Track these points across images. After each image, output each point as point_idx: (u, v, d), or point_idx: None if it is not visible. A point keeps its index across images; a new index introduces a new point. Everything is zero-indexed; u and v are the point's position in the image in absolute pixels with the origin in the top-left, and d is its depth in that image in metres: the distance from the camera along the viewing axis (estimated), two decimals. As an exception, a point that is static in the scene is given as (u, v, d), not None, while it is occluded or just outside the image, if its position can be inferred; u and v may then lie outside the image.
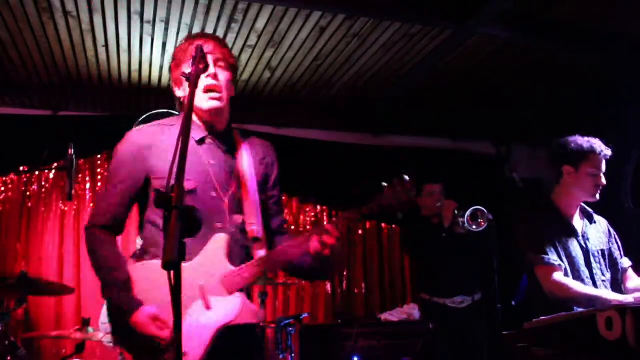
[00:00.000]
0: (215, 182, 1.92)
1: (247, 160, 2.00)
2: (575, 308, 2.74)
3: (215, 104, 1.92)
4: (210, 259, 1.83)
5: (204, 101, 1.91)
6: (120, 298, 1.83)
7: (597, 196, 2.91)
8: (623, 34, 4.05)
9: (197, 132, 1.96)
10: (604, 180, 2.90)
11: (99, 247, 1.90)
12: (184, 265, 1.77)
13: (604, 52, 4.22)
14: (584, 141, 2.93)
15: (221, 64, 1.94)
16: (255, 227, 1.94)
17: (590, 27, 4.00)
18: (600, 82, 4.76)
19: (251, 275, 1.83)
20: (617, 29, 4.02)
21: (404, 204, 1.84)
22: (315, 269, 1.96)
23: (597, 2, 3.67)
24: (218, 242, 1.85)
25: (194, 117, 1.97)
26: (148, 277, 1.83)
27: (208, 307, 1.80)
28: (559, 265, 2.75)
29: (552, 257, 2.77)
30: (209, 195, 1.90)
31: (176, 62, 1.99)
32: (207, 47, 1.89)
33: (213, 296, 1.81)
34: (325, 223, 1.85)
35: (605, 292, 2.73)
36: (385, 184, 1.86)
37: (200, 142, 1.96)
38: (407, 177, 1.85)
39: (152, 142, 1.94)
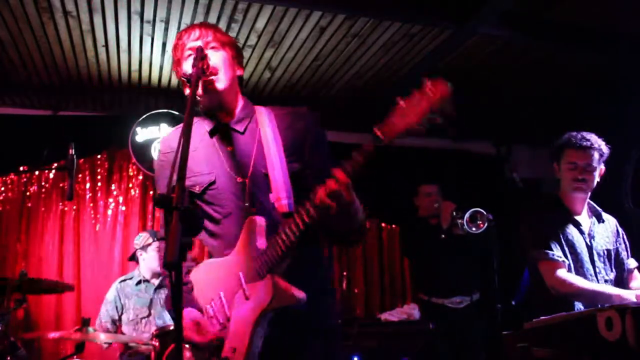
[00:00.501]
0: (237, 167, 1.84)
1: (269, 133, 1.86)
2: (576, 305, 2.75)
3: (208, 82, 1.79)
4: (244, 245, 1.76)
5: (199, 86, 1.77)
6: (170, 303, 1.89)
7: (584, 190, 2.86)
8: (623, 34, 4.06)
9: (208, 124, 1.90)
10: (586, 174, 2.83)
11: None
12: (225, 258, 1.78)
13: (604, 52, 4.22)
14: (565, 136, 2.91)
15: (213, 45, 1.85)
16: (284, 201, 1.79)
17: (590, 27, 4.00)
18: (600, 82, 4.76)
19: (274, 253, 1.67)
20: (617, 29, 4.02)
21: (429, 117, 1.40)
22: (331, 226, 1.73)
23: (597, 2, 3.67)
24: (249, 226, 1.75)
25: (206, 111, 1.92)
26: (202, 277, 1.85)
27: (247, 297, 1.72)
28: (563, 261, 2.75)
29: (556, 253, 2.76)
30: (234, 181, 1.82)
31: (175, 61, 1.93)
32: (194, 34, 1.84)
33: (250, 283, 1.73)
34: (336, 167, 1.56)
35: (608, 287, 2.72)
36: (401, 98, 1.44)
37: (213, 132, 1.89)
38: (428, 81, 1.39)
39: (174, 145, 1.82)
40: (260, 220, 1.74)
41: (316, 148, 1.92)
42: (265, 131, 1.87)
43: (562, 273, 2.73)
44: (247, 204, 1.80)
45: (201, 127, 1.90)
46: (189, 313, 1.79)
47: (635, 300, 2.58)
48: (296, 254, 1.69)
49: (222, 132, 1.89)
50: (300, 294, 1.66)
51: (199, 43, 1.82)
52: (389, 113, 1.44)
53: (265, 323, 1.68)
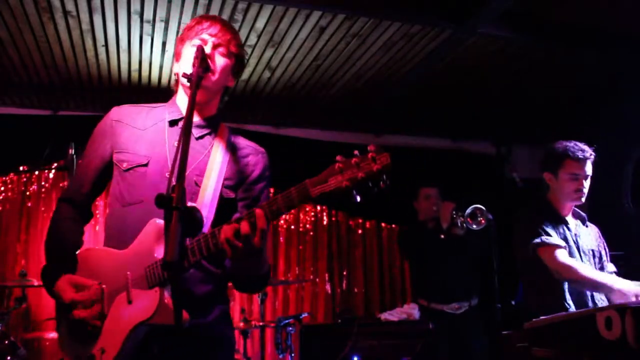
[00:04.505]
0: (172, 163, 1.71)
1: (220, 152, 1.84)
2: (568, 295, 2.76)
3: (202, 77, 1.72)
4: (142, 246, 1.65)
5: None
6: (51, 268, 1.76)
7: (582, 199, 2.91)
8: (623, 34, 4.06)
9: (174, 114, 1.87)
10: (585, 184, 2.88)
11: (57, 219, 1.85)
12: (118, 252, 1.68)
13: (604, 52, 4.22)
14: (561, 146, 2.92)
15: (221, 50, 1.82)
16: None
17: (590, 27, 4.00)
18: (600, 82, 4.76)
19: None
20: (617, 29, 4.02)
21: (358, 183, 1.37)
22: (233, 267, 1.71)
23: (597, 2, 3.68)
24: (151, 228, 1.64)
25: (180, 99, 1.90)
26: (88, 264, 1.75)
27: (130, 301, 1.62)
28: (564, 246, 2.78)
29: (554, 238, 2.79)
30: (163, 174, 1.75)
31: (181, 37, 1.90)
32: (212, 29, 1.82)
33: (136, 289, 1.62)
34: (255, 208, 1.49)
35: (612, 278, 2.73)
36: (339, 158, 1.41)
37: (173, 123, 1.85)
38: (371, 147, 1.40)
39: (123, 117, 1.88)
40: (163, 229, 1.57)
41: (257, 183, 1.89)
42: (218, 149, 1.85)
43: (563, 257, 2.75)
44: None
45: (162, 113, 1.89)
46: (67, 277, 1.70)
47: (635, 299, 2.59)
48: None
49: (181, 127, 1.80)
50: (185, 316, 1.56)
51: (211, 40, 1.81)
52: (325, 170, 1.41)
53: (141, 332, 1.60)
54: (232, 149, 1.90)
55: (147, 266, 1.61)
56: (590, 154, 2.90)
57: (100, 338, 1.63)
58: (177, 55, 1.91)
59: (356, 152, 1.41)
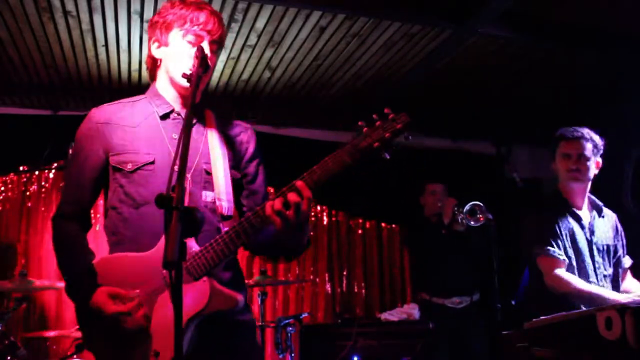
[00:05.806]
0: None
1: (216, 135, 1.86)
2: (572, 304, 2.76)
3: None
4: None
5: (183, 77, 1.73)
6: (79, 285, 1.72)
7: (579, 178, 2.88)
8: (623, 34, 4.06)
9: (163, 107, 1.85)
10: (580, 163, 2.87)
11: (66, 241, 1.82)
12: (143, 255, 1.67)
13: (604, 52, 4.22)
14: (557, 131, 2.98)
15: (215, 47, 1.83)
16: (224, 203, 1.77)
17: (590, 27, 4.00)
18: (600, 82, 4.76)
19: (214, 254, 1.62)
20: (617, 29, 4.02)
21: (386, 141, 1.62)
22: (279, 240, 1.74)
23: (597, 2, 3.68)
24: None
25: (164, 90, 1.88)
26: (114, 273, 1.72)
27: None
28: (563, 260, 2.76)
29: (557, 251, 2.78)
30: (172, 169, 1.74)
31: (165, 23, 1.82)
32: (209, 26, 1.80)
33: None
34: (296, 182, 1.60)
35: (606, 292, 2.73)
36: (362, 123, 1.64)
37: (164, 117, 1.84)
38: (387, 110, 1.64)
39: (110, 118, 1.84)
40: None
41: (253, 159, 1.95)
42: (213, 132, 1.87)
43: (560, 272, 2.75)
44: (190, 199, 1.72)
45: (148, 106, 1.86)
46: (104, 289, 1.67)
47: None
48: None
49: (174, 119, 1.85)
50: (239, 297, 1.65)
51: (208, 37, 1.80)
52: (354, 136, 1.65)
53: (193, 326, 1.61)
54: (223, 130, 1.92)
55: (187, 259, 1.62)
56: (584, 135, 2.90)
57: (153, 341, 1.61)
58: (158, 40, 1.85)
59: (375, 116, 1.64)
